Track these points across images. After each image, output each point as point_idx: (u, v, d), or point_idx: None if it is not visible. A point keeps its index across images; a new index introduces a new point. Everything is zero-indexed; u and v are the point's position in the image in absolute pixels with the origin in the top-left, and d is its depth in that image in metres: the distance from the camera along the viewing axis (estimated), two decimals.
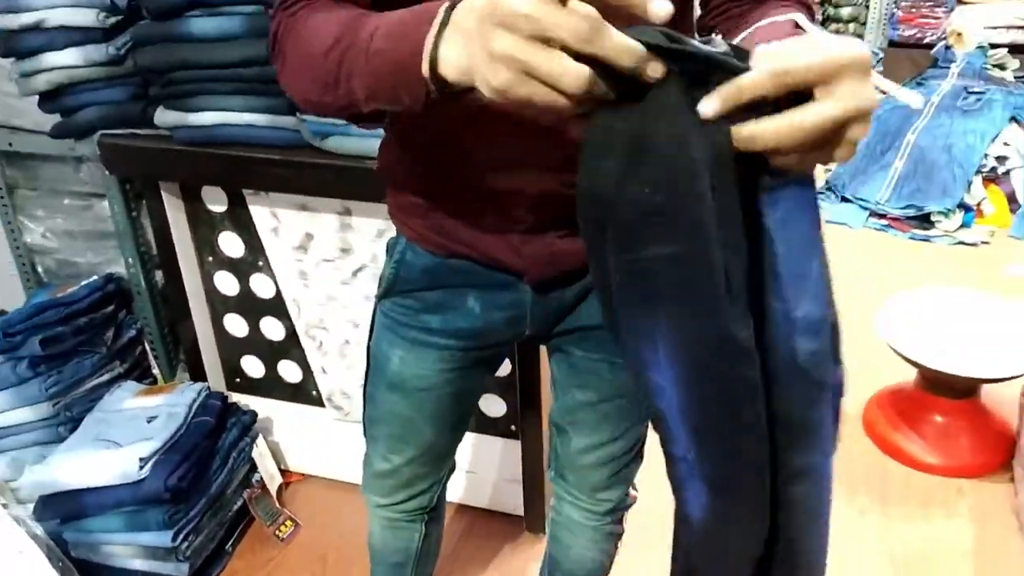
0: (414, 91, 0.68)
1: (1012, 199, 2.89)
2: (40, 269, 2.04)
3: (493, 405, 1.73)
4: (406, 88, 0.69)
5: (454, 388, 1.13)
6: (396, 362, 1.11)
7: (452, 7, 0.64)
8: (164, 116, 1.56)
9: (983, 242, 2.78)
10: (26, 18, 1.52)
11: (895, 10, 4.01)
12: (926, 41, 3.88)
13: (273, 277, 1.78)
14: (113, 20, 1.51)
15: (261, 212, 1.70)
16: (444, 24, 0.63)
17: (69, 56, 1.54)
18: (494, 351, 1.13)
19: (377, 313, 1.13)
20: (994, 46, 3.59)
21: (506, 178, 0.93)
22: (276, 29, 0.82)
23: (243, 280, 1.82)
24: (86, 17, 1.50)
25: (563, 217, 0.94)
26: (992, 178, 2.91)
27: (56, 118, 1.69)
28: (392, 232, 1.09)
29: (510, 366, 1.64)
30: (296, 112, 1.50)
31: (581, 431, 1.17)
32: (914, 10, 3.97)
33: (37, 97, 1.67)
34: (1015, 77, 3.31)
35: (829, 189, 3.02)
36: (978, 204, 2.86)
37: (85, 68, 1.56)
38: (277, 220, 1.70)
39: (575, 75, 0.55)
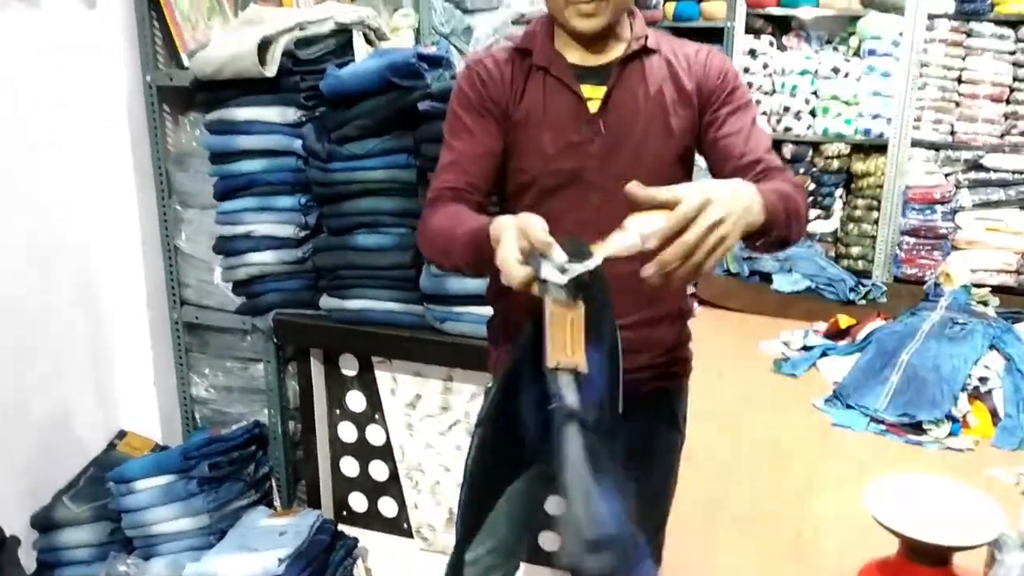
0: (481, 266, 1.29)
1: (994, 414, 3.35)
2: (198, 416, 2.59)
3: (548, 540, 2.17)
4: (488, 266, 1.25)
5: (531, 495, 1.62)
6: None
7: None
8: (327, 301, 2.17)
9: (968, 449, 3.23)
10: (241, 228, 2.17)
11: (898, 251, 4.65)
12: (926, 279, 4.48)
13: (385, 428, 2.31)
14: (304, 233, 2.16)
15: (384, 376, 2.26)
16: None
17: (267, 256, 2.18)
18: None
19: (474, 438, 1.64)
20: (980, 286, 4.19)
21: None
22: (425, 211, 1.40)
23: (360, 430, 2.34)
24: (285, 230, 2.15)
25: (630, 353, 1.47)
26: (976, 395, 3.39)
27: (241, 299, 2.30)
28: (480, 390, 1.63)
29: None
30: (424, 303, 2.09)
31: None
32: (914, 252, 4.60)
33: (230, 284, 2.30)
34: (996, 312, 3.88)
35: (836, 397, 3.52)
36: (964, 416, 3.33)
37: (276, 265, 2.19)
38: (395, 383, 2.25)
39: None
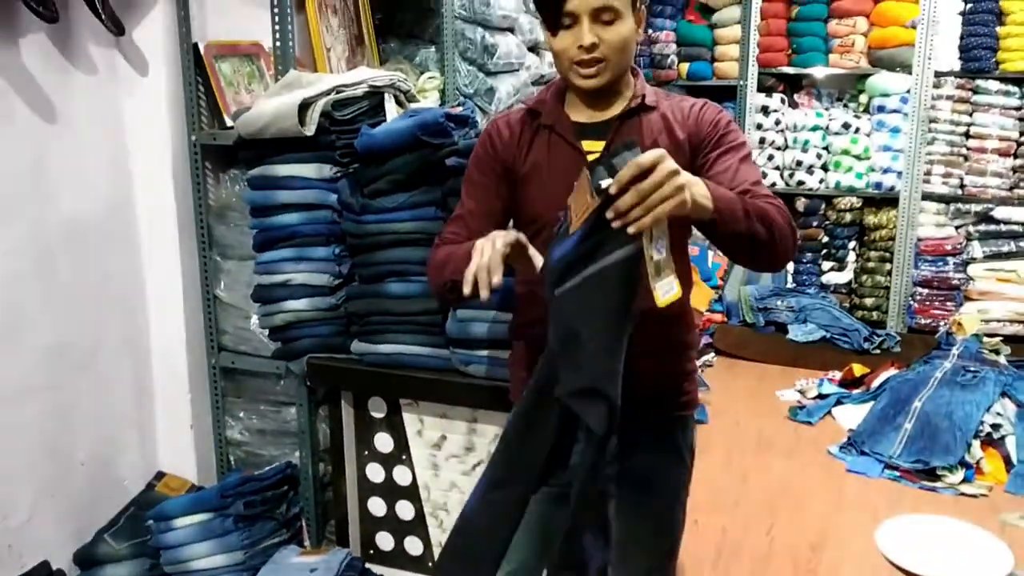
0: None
1: (1007, 460, 3.40)
2: (232, 458, 2.70)
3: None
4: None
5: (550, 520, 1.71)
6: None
7: None
8: (359, 346, 2.29)
9: (982, 495, 3.27)
10: (279, 278, 2.31)
11: (912, 302, 4.73)
12: (939, 329, 4.55)
13: (412, 468, 2.40)
14: (337, 281, 2.29)
15: (411, 418, 2.37)
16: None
17: (302, 304, 2.31)
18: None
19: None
20: (992, 336, 4.26)
21: None
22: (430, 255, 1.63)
23: (388, 470, 2.44)
24: (320, 279, 2.29)
25: (625, 386, 1.57)
26: (989, 442, 3.45)
27: (277, 345, 2.43)
28: (499, 429, 1.75)
29: None
30: (450, 346, 2.21)
31: (616, 568, 1.71)
32: (927, 303, 4.68)
33: (267, 330, 2.43)
34: (1008, 361, 3.94)
35: (851, 444, 3.58)
36: (977, 463, 3.38)
37: (311, 312, 2.32)
38: (422, 424, 2.36)
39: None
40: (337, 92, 2.24)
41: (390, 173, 2.15)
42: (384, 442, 2.43)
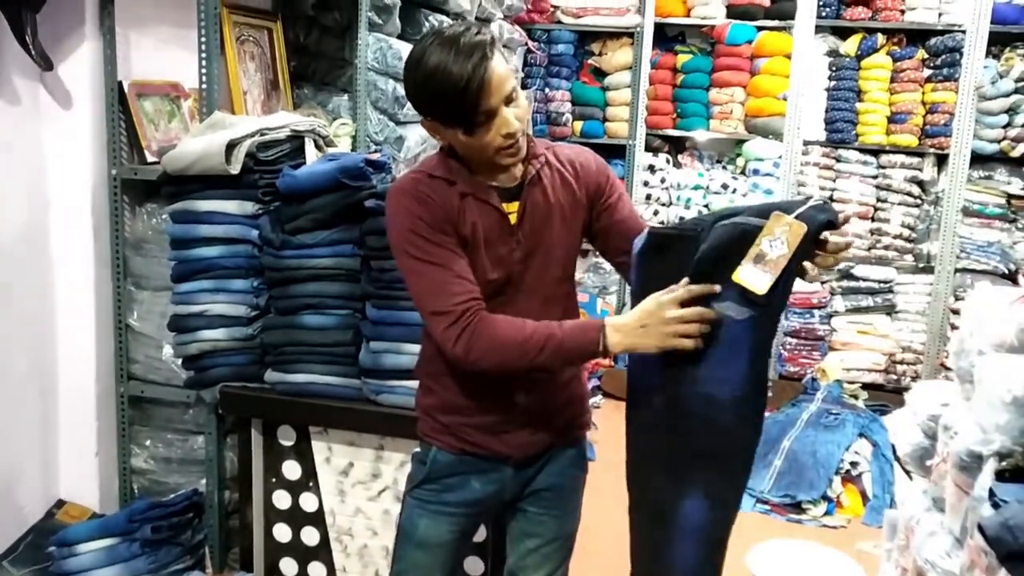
0: (589, 360, 1.66)
1: (864, 495, 3.74)
2: (135, 486, 2.73)
3: (475, 564, 2.35)
4: (586, 359, 1.66)
5: (458, 544, 1.87)
6: (422, 528, 1.84)
7: (604, 325, 1.59)
8: (272, 375, 2.39)
9: (842, 526, 3.59)
10: (196, 308, 2.40)
11: (782, 351, 5.09)
12: (806, 375, 4.91)
13: (318, 495, 2.50)
14: (254, 313, 2.39)
15: (319, 445, 2.47)
16: (604, 332, 1.58)
17: (218, 333, 2.40)
18: (484, 515, 1.90)
19: (407, 500, 1.88)
20: (852, 383, 4.65)
21: (505, 403, 1.76)
22: (467, 325, 1.58)
23: (295, 497, 2.53)
24: (238, 310, 2.39)
25: (535, 420, 1.77)
26: (848, 478, 3.78)
27: (190, 374, 2.50)
28: (405, 456, 1.88)
29: (485, 533, 2.29)
30: (362, 377, 2.34)
31: (528, 572, 1.90)
32: (796, 352, 5.05)
33: (180, 359, 2.50)
34: (865, 405, 4.33)
35: None
36: (838, 497, 3.70)
37: (226, 342, 2.41)
38: (330, 451, 2.47)
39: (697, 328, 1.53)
40: (261, 134, 2.37)
41: (311, 212, 2.29)
42: (292, 469, 2.52)
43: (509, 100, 1.57)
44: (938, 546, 2.04)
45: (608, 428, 4.41)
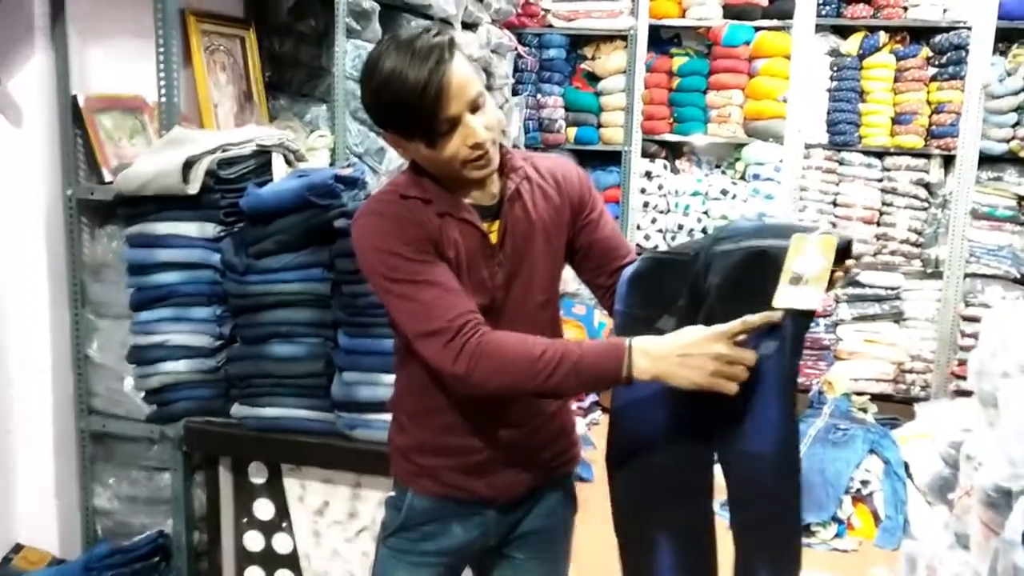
0: (610, 386, 1.45)
1: (876, 515, 3.56)
2: (99, 528, 2.56)
3: None
4: (606, 385, 1.46)
5: None
6: None
7: (631, 346, 1.40)
8: (239, 409, 2.22)
9: (853, 550, 3.41)
10: (156, 338, 2.23)
11: None
12: (812, 388, 4.74)
13: (292, 536, 2.33)
14: (218, 343, 2.22)
15: (292, 483, 2.30)
16: (631, 354, 1.39)
17: (180, 365, 2.23)
18: (466, 562, 1.73)
19: (382, 550, 1.71)
20: (860, 394, 4.47)
21: (488, 441, 1.60)
22: (468, 341, 1.40)
23: (268, 538, 2.36)
24: (201, 340, 2.22)
25: (520, 459, 1.60)
26: (859, 497, 3.60)
27: (152, 408, 2.33)
28: (383, 494, 1.71)
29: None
30: (335, 410, 2.17)
31: None
32: (801, 363, 4.89)
33: (141, 393, 2.33)
34: (875, 419, 4.15)
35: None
36: (848, 518, 3.52)
37: (189, 374, 2.24)
38: (304, 490, 2.29)
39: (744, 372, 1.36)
40: (223, 150, 2.20)
41: (277, 233, 2.12)
42: (264, 509, 2.35)
43: (475, 107, 1.42)
44: None
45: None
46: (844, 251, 1.39)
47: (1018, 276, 4.51)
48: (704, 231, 5.06)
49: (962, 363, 4.54)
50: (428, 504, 1.64)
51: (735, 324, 1.38)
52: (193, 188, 2.12)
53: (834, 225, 4.75)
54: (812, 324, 4.72)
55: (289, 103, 3.27)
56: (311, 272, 2.12)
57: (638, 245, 5.11)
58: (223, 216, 2.18)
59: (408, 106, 1.37)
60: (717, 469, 1.52)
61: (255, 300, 2.16)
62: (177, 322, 2.23)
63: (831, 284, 1.38)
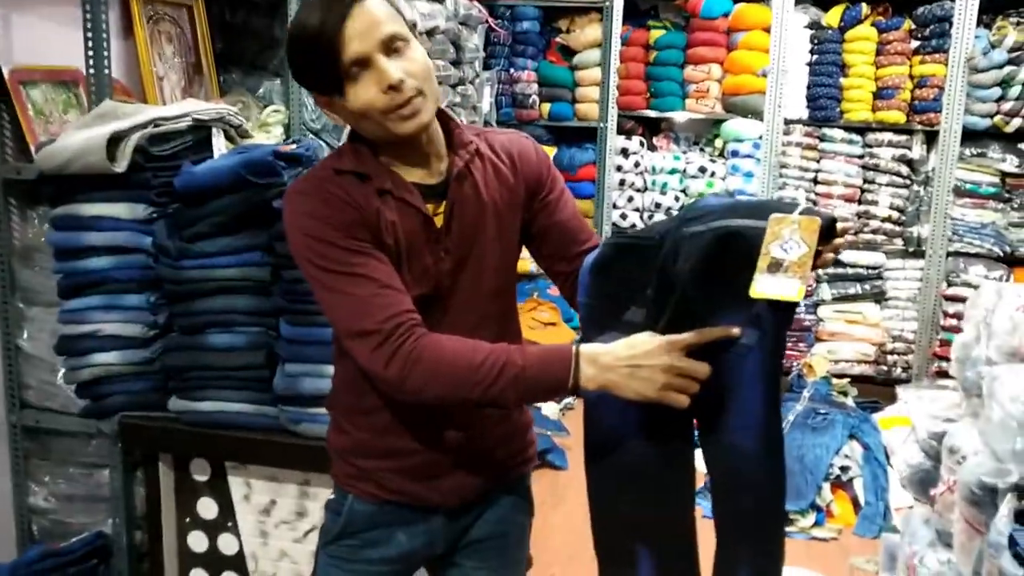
0: (555, 396, 1.33)
1: (856, 502, 3.46)
2: (35, 528, 2.42)
3: None
4: (551, 395, 1.33)
5: None
6: None
7: (578, 353, 1.29)
8: (177, 403, 2.08)
9: (832, 538, 3.31)
10: (86, 328, 2.07)
11: None
12: (792, 370, 4.63)
13: (238, 536, 2.20)
14: (152, 332, 2.07)
15: (237, 481, 2.16)
16: (577, 363, 1.28)
17: (112, 357, 2.08)
18: (413, 569, 1.60)
19: (321, 557, 1.58)
20: (841, 376, 4.37)
21: (433, 442, 1.46)
22: (402, 344, 1.28)
23: (212, 539, 2.22)
24: (133, 330, 2.07)
25: (469, 461, 1.47)
26: (838, 484, 3.50)
27: (86, 401, 2.18)
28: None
29: None
30: (278, 404, 2.03)
31: None
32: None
33: (74, 386, 2.18)
34: (855, 402, 4.05)
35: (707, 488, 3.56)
36: (827, 505, 3.42)
37: (122, 366, 2.09)
38: (249, 488, 2.16)
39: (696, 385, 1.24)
40: (155, 125, 2.04)
41: (212, 215, 1.97)
42: (208, 508, 2.21)
43: (390, 49, 1.29)
44: None
45: (581, 432, 4.12)
46: (828, 231, 1.26)
47: (1001, 255, 4.41)
48: (682, 209, 4.92)
49: (944, 344, 4.45)
50: (369, 509, 1.51)
51: (689, 336, 1.28)
52: (120, 166, 1.96)
53: (814, 203, 4.62)
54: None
55: (241, 77, 3.11)
56: (250, 256, 1.97)
57: (614, 225, 4.98)
58: (155, 196, 2.03)
59: (309, 52, 1.28)
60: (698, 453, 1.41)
61: (191, 287, 2.01)
62: (108, 310, 2.07)
63: (815, 267, 1.25)
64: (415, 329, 1.31)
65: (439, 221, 1.40)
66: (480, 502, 1.54)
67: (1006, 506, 1.53)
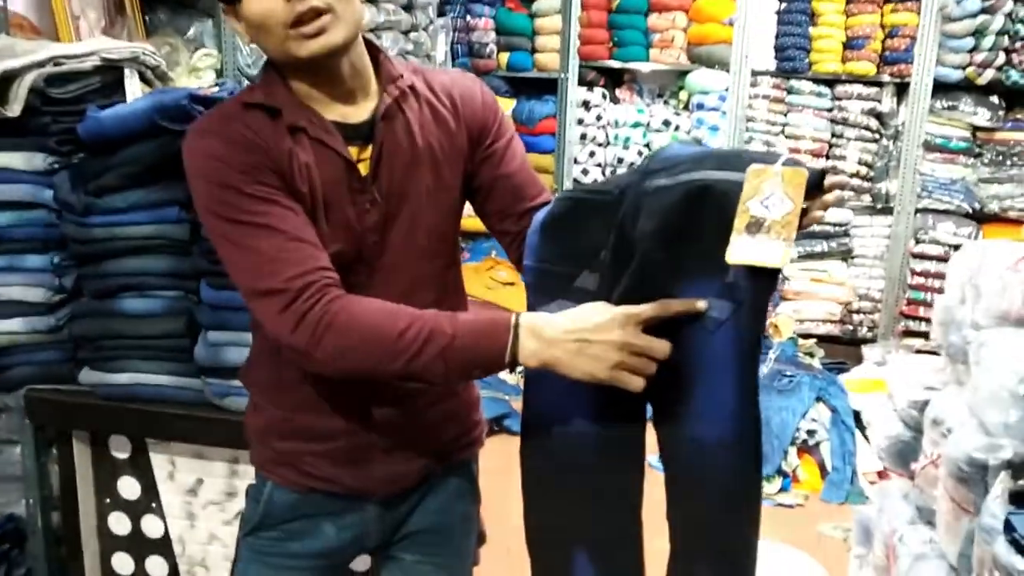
0: (490, 372, 1.15)
1: (823, 467, 3.35)
2: None
3: None
4: (484, 371, 1.15)
5: None
6: None
7: (517, 324, 1.11)
8: (88, 376, 1.88)
9: (799, 504, 3.21)
10: None
11: None
12: None
13: (163, 518, 2.01)
14: (59, 297, 1.86)
15: (160, 459, 1.97)
16: (516, 335, 1.11)
17: (15, 324, 1.87)
18: (344, 565, 1.43)
19: (243, 548, 1.41)
20: (807, 336, 4.26)
21: (362, 422, 1.28)
22: (313, 307, 1.10)
23: (135, 520, 2.04)
24: (36, 294, 1.86)
25: (405, 444, 1.30)
26: (805, 449, 3.39)
27: None
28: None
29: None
30: (201, 376, 1.84)
31: None
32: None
33: None
34: (822, 364, 3.94)
35: None
36: (793, 471, 3.31)
37: (26, 334, 1.88)
38: (173, 466, 1.97)
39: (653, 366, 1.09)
40: (56, 64, 1.81)
41: (122, 165, 1.76)
42: (129, 487, 2.02)
43: None
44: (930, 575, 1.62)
45: None
46: (815, 185, 1.08)
47: (970, 211, 4.31)
48: None
49: (911, 303, 4.38)
50: (291, 499, 1.34)
51: (649, 307, 1.11)
52: (13, 109, 1.73)
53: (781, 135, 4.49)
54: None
55: (169, 16, 2.84)
56: (165, 212, 1.77)
57: (575, 181, 4.80)
58: (55, 144, 1.80)
59: None
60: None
61: (100, 246, 1.80)
62: (7, 272, 1.86)
63: (801, 227, 1.08)
64: (328, 289, 1.13)
65: (364, 168, 1.21)
66: (419, 489, 1.37)
67: (999, 486, 1.40)
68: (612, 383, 1.11)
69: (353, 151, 1.21)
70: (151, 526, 2.03)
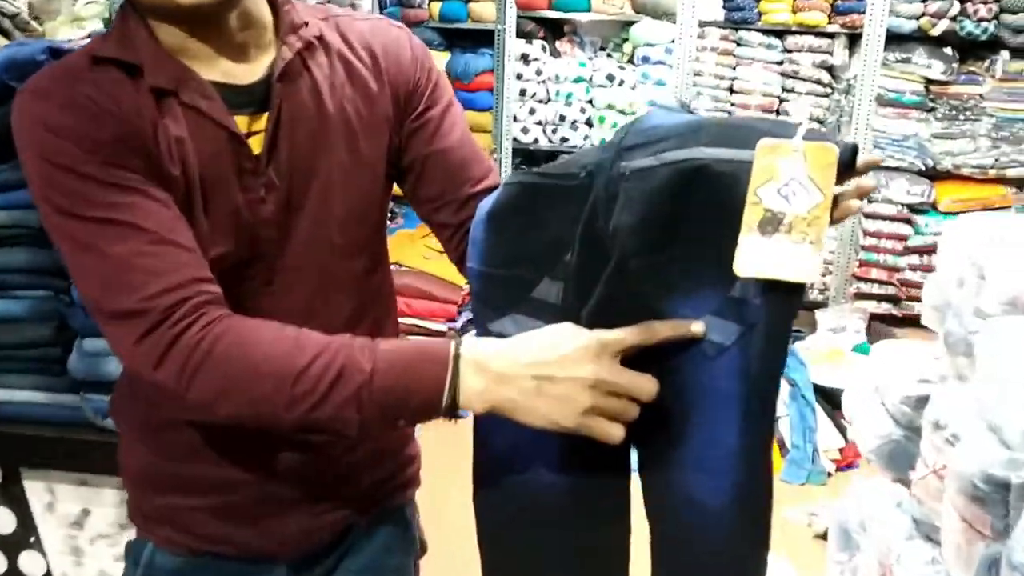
0: (422, 420, 0.88)
1: (782, 445, 3.18)
2: None
3: None
4: (414, 419, 0.90)
5: None
6: None
7: (458, 356, 0.83)
8: None
9: None
10: None
11: None
12: None
13: (43, 554, 1.72)
14: None
15: (35, 487, 1.68)
16: (456, 369, 0.83)
17: None
18: None
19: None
20: None
21: (262, 469, 1.01)
22: (181, 334, 0.83)
23: (11, 558, 1.75)
24: None
25: (318, 494, 1.03)
26: None
27: None
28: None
29: None
30: (81, 391, 1.53)
31: None
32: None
33: None
34: None
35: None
36: None
37: None
38: (52, 496, 1.67)
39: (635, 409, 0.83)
40: None
41: None
42: (4, 521, 1.72)
43: None
44: None
45: None
46: (847, 167, 0.82)
47: (923, 168, 4.15)
48: (588, 123, 4.49)
49: (863, 264, 4.24)
50: (174, 563, 1.07)
51: (629, 333, 0.85)
52: None
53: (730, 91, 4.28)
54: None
55: None
56: (19, 196, 1.45)
57: (515, 141, 4.51)
58: None
59: None
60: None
61: None
62: None
63: (833, 222, 0.82)
64: (206, 308, 0.85)
65: (257, 144, 0.92)
66: (338, 547, 1.11)
67: None
68: (582, 432, 0.85)
69: (242, 121, 0.92)
70: (31, 564, 1.74)
